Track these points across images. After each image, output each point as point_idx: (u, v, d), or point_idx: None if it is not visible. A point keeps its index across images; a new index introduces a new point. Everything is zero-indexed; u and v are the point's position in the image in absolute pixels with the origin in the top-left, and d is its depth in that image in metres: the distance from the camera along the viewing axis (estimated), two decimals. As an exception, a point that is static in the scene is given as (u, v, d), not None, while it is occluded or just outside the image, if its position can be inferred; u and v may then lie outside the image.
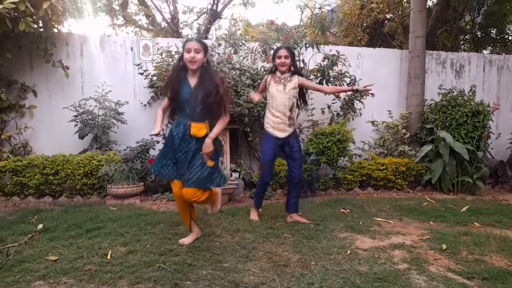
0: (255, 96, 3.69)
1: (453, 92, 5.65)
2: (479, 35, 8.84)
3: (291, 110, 3.49)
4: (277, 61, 3.46)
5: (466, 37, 9.09)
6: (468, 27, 8.85)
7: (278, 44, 5.35)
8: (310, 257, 2.69)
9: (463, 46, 9.03)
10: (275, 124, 3.48)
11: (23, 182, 4.51)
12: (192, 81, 2.75)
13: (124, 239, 3.01)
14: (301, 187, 3.82)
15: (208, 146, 2.70)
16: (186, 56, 2.69)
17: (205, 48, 2.75)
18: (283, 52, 3.44)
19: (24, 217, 3.71)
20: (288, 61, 3.43)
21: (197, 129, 2.73)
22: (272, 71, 3.58)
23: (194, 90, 2.72)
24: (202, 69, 2.76)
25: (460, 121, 5.29)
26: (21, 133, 5.03)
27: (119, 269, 2.42)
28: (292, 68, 3.52)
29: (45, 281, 2.27)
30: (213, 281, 2.27)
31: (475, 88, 5.75)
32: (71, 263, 2.53)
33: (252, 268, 2.48)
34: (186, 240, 2.95)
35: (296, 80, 3.48)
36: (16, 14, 4.20)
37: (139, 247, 2.85)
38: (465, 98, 5.51)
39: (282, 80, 3.47)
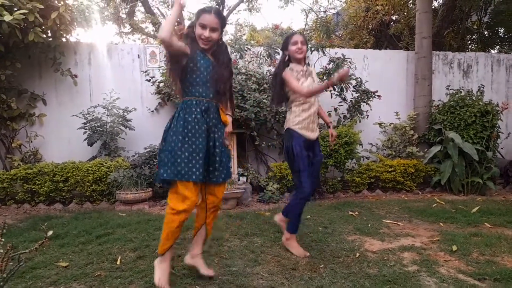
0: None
1: (461, 92, 5.61)
2: (487, 35, 8.77)
3: (318, 105, 3.01)
4: (293, 48, 2.86)
5: (473, 37, 9.03)
6: (475, 26, 8.79)
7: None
8: (318, 260, 2.68)
9: (470, 46, 8.96)
10: (307, 124, 2.88)
11: (34, 189, 4.57)
12: (208, 55, 2.30)
13: (134, 245, 3.03)
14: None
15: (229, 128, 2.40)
16: (199, 32, 2.19)
17: (223, 24, 2.27)
18: (299, 37, 2.88)
19: (35, 224, 3.76)
20: (305, 47, 2.89)
21: (223, 114, 2.36)
22: (287, 64, 2.95)
23: (216, 65, 2.28)
24: (217, 45, 2.33)
25: (468, 121, 5.24)
26: (31, 141, 5.11)
27: (129, 275, 2.44)
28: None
29: (56, 287, 2.30)
30: (222, 285, 2.27)
31: (483, 88, 5.70)
32: (81, 269, 2.55)
33: (261, 272, 2.48)
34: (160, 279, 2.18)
35: (313, 70, 3.03)
36: (25, 24, 4.28)
37: (148, 252, 2.86)
38: (473, 98, 5.47)
39: (307, 73, 2.91)
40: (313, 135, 2.91)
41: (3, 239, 1.29)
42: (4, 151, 5.04)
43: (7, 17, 3.93)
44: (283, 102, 3.03)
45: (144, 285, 2.28)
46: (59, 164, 4.71)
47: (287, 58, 2.96)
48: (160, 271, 2.20)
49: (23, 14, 4.10)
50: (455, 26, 8.33)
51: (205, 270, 2.36)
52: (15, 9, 4.15)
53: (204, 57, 2.25)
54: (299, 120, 2.87)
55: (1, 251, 1.25)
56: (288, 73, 2.84)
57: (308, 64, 3.05)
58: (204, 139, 2.19)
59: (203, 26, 2.18)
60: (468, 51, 7.76)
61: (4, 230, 1.27)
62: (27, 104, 5.18)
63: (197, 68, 2.21)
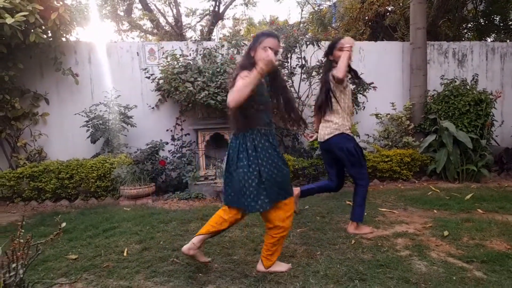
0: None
1: (455, 81, 5.70)
2: (483, 23, 8.82)
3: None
4: (338, 54, 2.97)
5: (469, 25, 9.08)
6: (471, 15, 8.84)
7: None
8: (316, 248, 2.81)
9: (466, 35, 9.02)
10: (348, 123, 3.09)
11: (40, 187, 4.70)
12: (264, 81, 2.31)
13: (139, 237, 3.17)
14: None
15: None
16: (263, 54, 2.12)
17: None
18: (350, 41, 2.96)
19: (43, 220, 3.90)
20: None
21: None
22: (330, 69, 3.02)
23: (272, 91, 2.36)
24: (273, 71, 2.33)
25: (462, 110, 5.35)
26: (36, 140, 5.23)
27: (135, 265, 2.57)
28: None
29: (67, 278, 2.43)
30: (223, 273, 2.41)
31: (477, 77, 5.79)
32: (90, 261, 2.69)
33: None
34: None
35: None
36: (26, 26, 4.37)
37: (153, 244, 3.00)
38: (468, 87, 5.56)
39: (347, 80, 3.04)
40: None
41: (22, 230, 1.41)
42: (10, 150, 5.16)
43: (9, 20, 4.03)
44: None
45: (150, 274, 2.42)
46: (64, 161, 4.84)
47: (331, 63, 3.06)
48: None
49: (24, 16, 4.19)
50: (450, 15, 8.39)
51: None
52: (16, 11, 4.23)
53: (262, 83, 2.25)
54: (349, 125, 3.09)
55: (22, 241, 1.38)
56: (329, 80, 3.01)
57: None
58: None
59: (266, 49, 2.18)
60: (464, 40, 7.83)
61: (24, 223, 1.39)
62: (30, 104, 5.30)
63: (259, 96, 2.23)
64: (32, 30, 4.48)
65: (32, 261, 1.44)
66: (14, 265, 1.32)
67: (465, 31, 9.03)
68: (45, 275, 2.46)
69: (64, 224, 1.50)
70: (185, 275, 2.38)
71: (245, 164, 2.24)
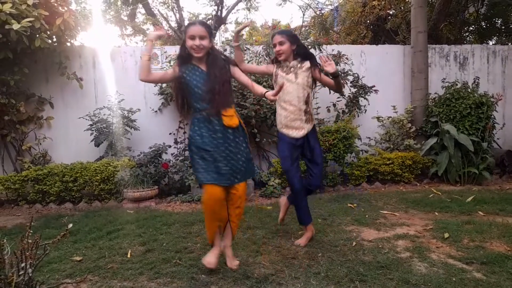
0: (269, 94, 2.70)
1: (456, 84, 5.72)
2: (484, 26, 8.84)
3: (306, 102, 2.92)
4: (274, 50, 2.91)
5: (471, 28, 9.10)
6: (473, 18, 8.87)
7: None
8: (317, 250, 2.84)
9: (467, 38, 9.04)
10: (289, 122, 2.91)
11: (45, 190, 4.76)
12: (202, 66, 2.44)
13: (142, 239, 3.21)
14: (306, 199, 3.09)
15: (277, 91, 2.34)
16: (190, 43, 2.36)
17: (210, 32, 2.39)
18: (276, 39, 2.87)
19: (47, 222, 3.94)
20: (284, 47, 2.84)
21: (229, 118, 2.43)
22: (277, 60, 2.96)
23: (209, 73, 2.42)
24: (208, 54, 2.45)
25: (464, 113, 5.37)
26: (40, 144, 5.30)
27: (139, 266, 2.61)
28: (296, 51, 2.90)
29: (72, 279, 2.47)
30: (226, 274, 2.44)
31: (478, 80, 5.82)
32: (94, 262, 2.73)
33: (262, 261, 2.64)
34: (211, 260, 2.45)
35: (307, 65, 2.90)
36: (32, 31, 4.44)
37: (156, 246, 3.04)
38: (469, 90, 5.58)
39: (292, 69, 2.88)
40: (299, 133, 2.92)
41: (31, 231, 1.46)
42: (15, 153, 5.23)
43: (15, 25, 4.10)
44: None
45: (153, 276, 2.45)
46: (68, 165, 4.89)
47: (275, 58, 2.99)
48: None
49: (29, 21, 4.26)
50: (452, 18, 8.42)
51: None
52: (22, 17, 4.31)
53: (195, 69, 2.43)
54: (279, 119, 2.96)
55: (30, 241, 1.42)
56: (268, 66, 3.03)
57: (303, 59, 2.91)
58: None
59: (192, 37, 2.35)
60: (465, 44, 7.85)
61: (32, 223, 1.43)
62: (35, 108, 5.37)
63: (191, 85, 2.42)
64: (38, 35, 4.56)
65: (40, 261, 1.49)
66: (23, 264, 1.37)
67: (466, 34, 9.05)
68: (50, 276, 2.50)
69: (70, 225, 1.54)
70: (188, 277, 2.42)
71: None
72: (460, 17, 8.35)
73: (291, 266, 2.54)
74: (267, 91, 2.40)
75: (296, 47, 2.89)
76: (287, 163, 2.91)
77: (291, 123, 2.91)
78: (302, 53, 2.92)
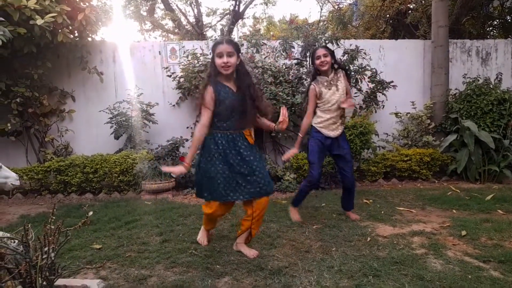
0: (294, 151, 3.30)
1: (478, 80, 5.59)
2: (509, 20, 8.57)
3: (342, 109, 3.33)
4: (317, 62, 3.26)
5: (495, 22, 8.84)
6: (497, 12, 8.61)
7: (298, 42, 5.51)
8: (331, 244, 2.85)
9: (491, 32, 8.78)
10: (327, 124, 3.32)
11: (66, 180, 4.90)
12: (230, 85, 2.52)
13: (159, 230, 3.28)
14: (354, 190, 3.56)
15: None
16: (219, 61, 2.43)
17: (237, 49, 2.47)
18: (321, 52, 3.25)
19: (69, 212, 4.08)
20: (328, 59, 3.22)
21: (249, 137, 2.58)
22: (314, 76, 3.36)
23: (238, 93, 2.50)
24: (236, 71, 2.53)
25: (485, 109, 5.25)
26: (62, 136, 5.46)
27: (156, 255, 2.68)
28: (335, 66, 3.33)
29: (92, 265, 2.56)
30: (240, 265, 2.48)
31: (501, 75, 5.66)
32: (113, 250, 2.82)
33: (276, 254, 2.67)
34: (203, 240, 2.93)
35: (342, 75, 3.34)
36: (54, 26, 4.56)
37: (173, 236, 3.11)
38: (491, 86, 5.45)
39: (332, 82, 3.28)
40: (332, 133, 3.33)
41: (53, 217, 1.52)
42: (38, 145, 5.40)
43: (39, 21, 4.22)
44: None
45: (170, 265, 2.52)
46: (89, 156, 5.02)
47: (315, 71, 3.36)
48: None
49: (52, 17, 4.37)
50: (475, 12, 8.19)
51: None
52: (45, 12, 4.43)
53: (225, 89, 2.48)
54: (319, 120, 3.35)
55: (52, 227, 1.49)
56: (311, 92, 3.32)
57: (337, 70, 3.34)
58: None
59: (220, 55, 2.42)
60: (488, 38, 7.64)
61: (55, 210, 1.50)
62: (57, 101, 5.52)
63: (222, 104, 2.47)
64: (60, 30, 4.68)
65: (62, 246, 1.55)
66: (46, 249, 1.43)
67: (490, 28, 8.79)
68: (71, 263, 2.60)
69: (91, 213, 1.60)
70: (203, 266, 2.47)
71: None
72: (483, 11, 8.11)
73: (305, 260, 2.56)
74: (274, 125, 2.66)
75: (334, 61, 3.31)
76: (314, 157, 3.32)
77: (329, 126, 3.33)
78: (337, 65, 3.36)
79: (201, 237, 2.96)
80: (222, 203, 2.66)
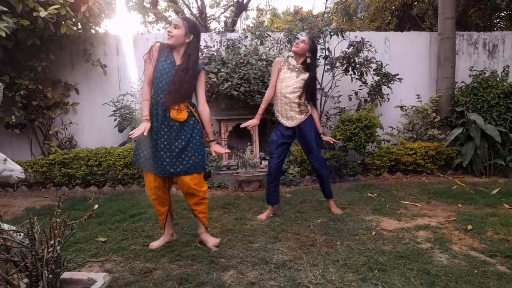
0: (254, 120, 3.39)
1: (484, 73, 5.53)
2: (517, 12, 8.45)
3: (300, 97, 3.30)
4: (295, 42, 3.36)
5: (502, 14, 8.71)
6: (505, 3, 8.47)
7: (303, 34, 5.45)
8: (336, 238, 2.84)
9: (498, 24, 8.66)
10: (284, 111, 3.32)
11: (71, 173, 4.91)
12: (177, 58, 2.57)
13: (164, 223, 3.28)
14: (328, 174, 3.53)
15: (219, 149, 2.76)
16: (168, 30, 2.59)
17: (187, 26, 2.51)
18: (302, 38, 3.35)
19: (73, 204, 4.09)
20: (302, 44, 3.25)
21: (177, 111, 2.54)
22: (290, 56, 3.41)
23: (177, 67, 2.54)
24: (186, 49, 2.56)
25: (492, 103, 5.19)
26: (66, 129, 5.46)
27: (161, 248, 2.68)
28: (308, 61, 3.31)
29: (97, 258, 2.56)
30: (245, 259, 2.48)
31: (508, 68, 5.59)
32: (118, 243, 2.82)
33: (281, 248, 2.67)
34: (155, 244, 2.74)
35: (306, 76, 3.32)
36: (57, 18, 4.53)
37: (177, 229, 3.10)
38: (498, 79, 5.39)
39: (296, 69, 3.31)
40: (291, 122, 3.32)
41: (59, 210, 1.52)
42: (42, 138, 5.41)
43: (42, 13, 4.19)
44: None
45: (174, 258, 2.52)
46: (93, 149, 5.03)
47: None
48: None
49: (55, 8, 4.35)
50: (482, 4, 8.07)
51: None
52: (49, 4, 4.40)
53: (169, 58, 2.55)
54: (276, 109, 3.40)
55: (58, 220, 1.49)
56: (275, 63, 3.40)
57: (307, 69, 3.33)
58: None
59: (170, 24, 2.58)
60: (495, 30, 7.53)
61: (62, 202, 1.49)
62: (61, 94, 5.51)
63: (157, 71, 2.55)
64: (63, 22, 4.65)
65: (68, 239, 1.55)
66: (51, 242, 1.43)
67: (497, 20, 8.67)
68: (77, 256, 2.61)
69: (96, 206, 1.59)
70: (207, 260, 2.47)
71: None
72: (491, 2, 7.98)
73: (310, 253, 2.56)
74: (212, 141, 2.77)
75: (312, 56, 3.31)
76: (273, 148, 3.39)
77: (286, 113, 3.32)
78: (310, 66, 3.33)
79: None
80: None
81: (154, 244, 2.73)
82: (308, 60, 3.31)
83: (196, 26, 2.60)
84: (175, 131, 2.54)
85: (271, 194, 3.44)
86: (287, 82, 3.29)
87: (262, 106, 3.39)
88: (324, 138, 3.50)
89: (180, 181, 2.61)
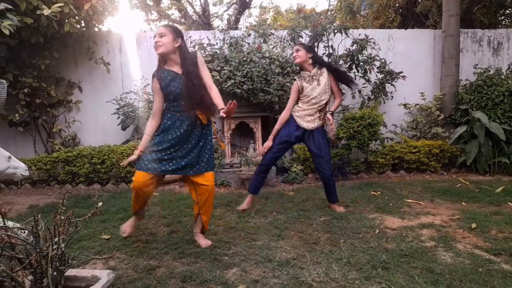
0: (268, 143, 3.52)
1: (489, 71, 5.49)
2: (522, 9, 8.37)
3: (326, 104, 3.42)
4: (294, 60, 3.48)
5: (507, 11, 8.63)
6: (509, 0, 8.40)
7: (307, 32, 5.44)
8: (339, 236, 2.84)
9: (503, 22, 8.59)
10: (303, 114, 3.41)
11: (74, 171, 4.93)
12: (175, 69, 2.57)
13: (167, 220, 3.30)
14: (334, 181, 3.55)
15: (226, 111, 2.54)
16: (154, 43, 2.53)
17: (172, 31, 2.51)
18: (295, 48, 3.44)
19: (77, 202, 4.10)
20: (299, 53, 3.36)
21: (203, 118, 2.60)
22: (299, 72, 3.54)
23: (183, 76, 2.54)
24: (180, 54, 2.55)
25: (496, 100, 5.16)
26: (70, 126, 5.47)
27: (164, 246, 2.69)
28: (310, 61, 3.40)
29: (101, 256, 2.57)
30: (248, 256, 2.48)
31: (513, 66, 5.56)
32: (122, 241, 2.82)
33: (284, 246, 2.67)
34: (126, 229, 2.81)
35: (326, 72, 3.40)
36: (61, 16, 4.53)
37: (180, 227, 3.11)
38: (502, 77, 5.35)
39: (314, 77, 3.39)
40: (307, 125, 3.40)
41: (63, 208, 1.52)
42: (46, 136, 5.43)
43: (46, 11, 4.20)
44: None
45: (178, 256, 2.52)
46: (96, 147, 5.04)
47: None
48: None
49: (59, 6, 4.35)
50: (487, 1, 8.00)
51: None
52: (52, 2, 4.40)
53: (169, 74, 2.55)
54: (297, 109, 3.47)
55: (62, 217, 1.49)
56: (293, 87, 3.48)
57: (320, 67, 3.43)
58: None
59: (155, 37, 2.52)
60: (500, 28, 7.48)
61: (65, 200, 1.49)
62: (64, 92, 5.53)
63: (169, 93, 2.56)
64: (67, 20, 4.65)
65: (72, 236, 1.55)
66: (56, 239, 1.43)
67: (502, 18, 8.60)
68: (80, 253, 2.61)
69: (100, 204, 1.59)
70: (211, 258, 2.47)
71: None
72: (495, -1, 7.91)
73: (313, 251, 2.55)
74: (222, 109, 2.53)
75: (313, 56, 3.40)
76: (275, 142, 3.47)
77: (305, 117, 3.41)
78: (319, 62, 3.45)
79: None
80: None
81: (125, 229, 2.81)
82: (310, 61, 3.40)
83: (178, 29, 2.62)
84: (197, 136, 2.62)
85: (256, 184, 3.56)
86: (314, 93, 3.37)
87: (277, 127, 3.51)
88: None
89: (201, 177, 2.63)
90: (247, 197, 3.65)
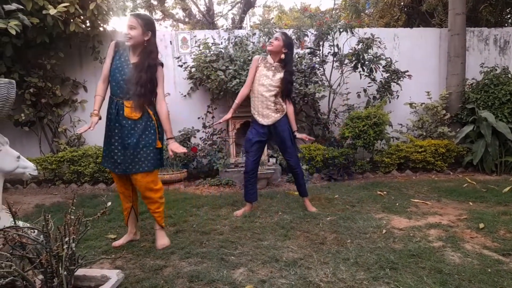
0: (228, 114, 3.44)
1: (496, 70, 5.45)
2: (529, 7, 8.31)
3: (276, 96, 3.32)
4: (269, 41, 3.38)
5: (514, 10, 8.57)
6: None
7: (312, 30, 5.42)
8: (346, 236, 2.82)
9: (510, 20, 8.53)
10: (260, 109, 3.33)
11: (79, 170, 4.94)
12: (133, 58, 2.55)
13: (173, 220, 3.29)
14: (302, 173, 3.55)
15: (176, 147, 2.69)
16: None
17: (143, 24, 2.47)
18: (276, 34, 3.32)
19: (83, 201, 4.11)
20: (275, 42, 3.25)
21: (130, 110, 2.54)
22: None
23: (134, 66, 2.51)
24: (146, 48, 2.53)
25: (503, 99, 5.13)
26: (75, 126, 5.48)
27: (170, 246, 2.68)
28: (282, 56, 3.30)
29: (108, 255, 2.57)
30: (255, 256, 2.47)
31: (520, 64, 5.51)
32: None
33: (291, 246, 2.66)
34: (117, 243, 2.75)
35: (283, 74, 3.31)
36: (66, 16, 4.55)
37: (186, 227, 3.11)
38: (509, 75, 5.31)
39: (273, 68, 3.32)
40: (266, 120, 3.33)
41: (73, 207, 1.52)
42: (51, 135, 5.45)
43: (52, 11, 4.22)
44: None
45: (184, 256, 2.52)
46: (101, 147, 5.04)
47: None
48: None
49: (64, 6, 4.36)
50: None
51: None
52: (58, 2, 4.41)
53: (124, 58, 2.54)
54: (252, 105, 3.40)
55: (72, 217, 1.49)
56: (253, 61, 3.38)
57: (284, 67, 3.33)
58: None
59: (126, 27, 2.49)
60: (506, 26, 7.42)
61: (75, 199, 1.50)
62: (70, 91, 5.55)
63: (112, 70, 2.57)
64: (72, 20, 4.66)
65: (82, 236, 1.56)
66: (66, 239, 1.43)
67: (508, 16, 8.53)
68: (87, 253, 2.61)
69: (109, 204, 1.60)
70: (217, 258, 2.46)
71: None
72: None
73: (320, 251, 2.54)
74: (170, 138, 2.75)
75: (287, 53, 3.29)
76: (248, 145, 3.41)
77: (261, 111, 3.33)
78: (286, 62, 3.33)
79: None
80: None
81: (117, 243, 2.73)
82: (282, 56, 3.30)
83: (151, 22, 2.58)
84: (127, 129, 2.55)
85: (249, 191, 3.47)
86: (263, 80, 3.30)
87: (236, 101, 3.40)
88: (298, 135, 3.49)
89: (134, 180, 2.63)
90: (246, 205, 3.54)
